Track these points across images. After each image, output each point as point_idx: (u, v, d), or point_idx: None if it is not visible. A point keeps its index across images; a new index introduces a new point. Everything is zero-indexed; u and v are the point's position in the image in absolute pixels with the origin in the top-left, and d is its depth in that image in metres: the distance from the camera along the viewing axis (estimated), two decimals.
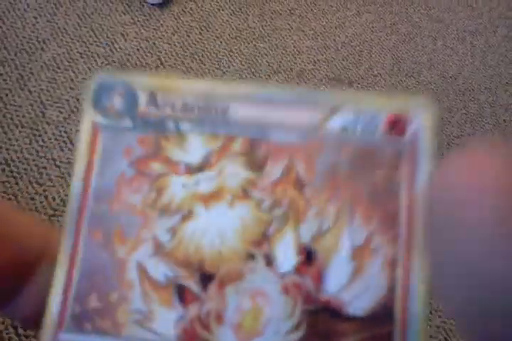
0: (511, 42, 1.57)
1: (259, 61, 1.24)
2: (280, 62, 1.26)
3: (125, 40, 1.16)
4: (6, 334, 0.76)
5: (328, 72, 1.29)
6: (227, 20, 1.28)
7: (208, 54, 1.21)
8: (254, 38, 1.28)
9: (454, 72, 1.44)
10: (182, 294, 0.14)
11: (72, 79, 1.06)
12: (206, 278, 0.14)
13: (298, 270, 0.14)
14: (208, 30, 1.25)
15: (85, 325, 0.14)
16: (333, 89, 0.16)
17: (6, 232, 0.15)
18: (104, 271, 0.15)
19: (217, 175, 0.15)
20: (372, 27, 1.44)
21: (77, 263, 0.15)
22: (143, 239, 0.15)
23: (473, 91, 1.42)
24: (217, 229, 0.15)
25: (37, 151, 0.95)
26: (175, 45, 1.19)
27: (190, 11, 1.26)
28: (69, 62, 1.08)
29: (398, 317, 0.14)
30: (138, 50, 1.15)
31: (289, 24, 1.34)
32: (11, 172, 0.92)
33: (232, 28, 1.27)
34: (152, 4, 1.23)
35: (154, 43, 1.18)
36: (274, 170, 0.15)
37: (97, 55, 1.11)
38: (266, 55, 1.26)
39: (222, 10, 1.30)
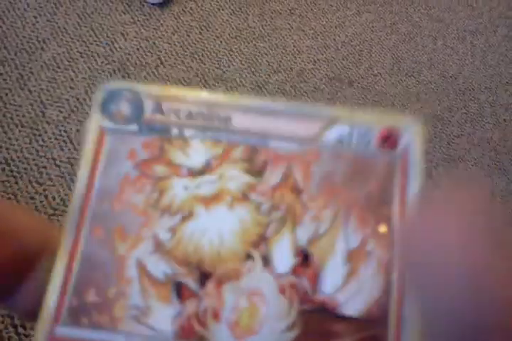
0: (511, 41, 1.57)
1: (259, 60, 1.24)
2: (280, 61, 1.26)
3: (125, 39, 1.16)
4: (6, 333, 0.77)
5: (328, 72, 1.29)
6: (227, 20, 1.28)
7: (208, 53, 1.21)
8: (254, 38, 1.28)
9: (454, 72, 1.44)
10: (180, 291, 0.15)
11: (72, 79, 1.06)
12: (204, 277, 0.15)
13: (294, 271, 0.15)
14: (208, 30, 1.25)
15: (82, 319, 0.14)
16: (330, 104, 0.16)
17: (6, 229, 0.15)
18: (104, 266, 0.15)
19: (218, 178, 0.15)
20: (373, 26, 1.44)
21: (76, 258, 0.15)
22: (143, 237, 0.15)
23: (473, 90, 1.42)
24: (217, 229, 0.15)
25: (37, 151, 0.95)
26: (175, 44, 1.19)
27: (190, 11, 1.26)
28: (69, 61, 1.08)
29: (393, 320, 0.14)
30: (138, 49, 1.15)
31: (289, 24, 1.34)
32: (11, 171, 0.92)
33: (232, 28, 1.27)
34: (152, 4, 1.23)
35: (154, 43, 1.18)
36: (273, 175, 0.15)
37: (97, 54, 1.11)
38: (266, 54, 1.26)
39: (222, 9, 1.30)
